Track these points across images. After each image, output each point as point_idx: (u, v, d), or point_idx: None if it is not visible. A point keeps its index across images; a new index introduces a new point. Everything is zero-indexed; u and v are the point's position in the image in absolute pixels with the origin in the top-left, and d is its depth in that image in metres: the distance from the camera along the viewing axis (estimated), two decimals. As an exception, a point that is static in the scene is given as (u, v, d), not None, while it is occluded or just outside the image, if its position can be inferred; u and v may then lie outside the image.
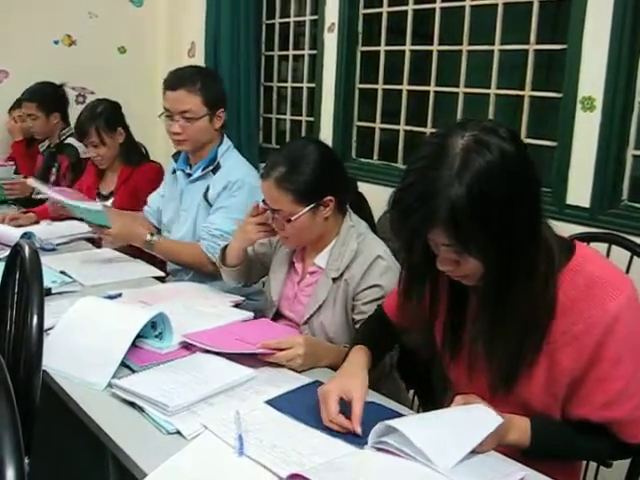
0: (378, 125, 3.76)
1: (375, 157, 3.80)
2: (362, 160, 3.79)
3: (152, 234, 2.42)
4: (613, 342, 1.25)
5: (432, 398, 1.96)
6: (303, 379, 1.55)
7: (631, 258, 1.75)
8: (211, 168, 2.52)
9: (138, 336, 1.62)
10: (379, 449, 1.24)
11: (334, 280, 1.86)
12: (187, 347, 1.67)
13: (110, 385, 1.47)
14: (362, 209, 2.01)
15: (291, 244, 1.94)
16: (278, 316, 2.02)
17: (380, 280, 1.80)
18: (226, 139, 2.59)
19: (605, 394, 1.28)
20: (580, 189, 2.72)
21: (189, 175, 2.58)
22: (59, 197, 2.57)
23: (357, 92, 3.85)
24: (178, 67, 2.55)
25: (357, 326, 1.81)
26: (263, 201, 1.89)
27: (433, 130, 3.41)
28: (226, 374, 1.52)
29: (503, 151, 1.17)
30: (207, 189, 2.50)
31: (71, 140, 3.65)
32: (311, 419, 1.36)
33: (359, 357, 1.52)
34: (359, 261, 1.84)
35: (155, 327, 1.67)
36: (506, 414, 1.29)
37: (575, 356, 1.28)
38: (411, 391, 2.12)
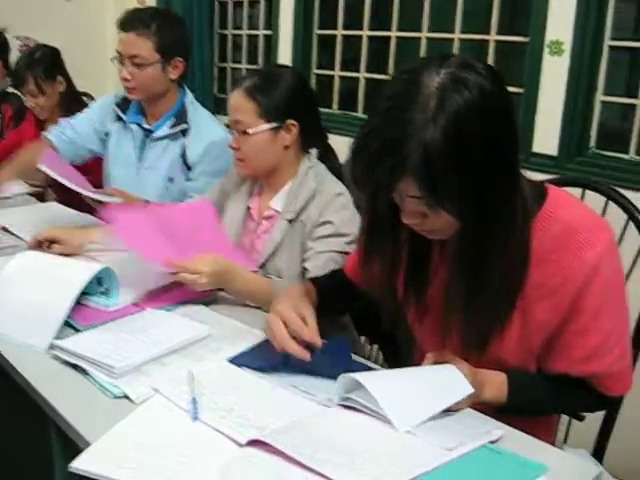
0: (337, 73, 3.63)
1: (335, 107, 3.67)
2: (321, 110, 3.63)
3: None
4: (592, 294, 1.17)
5: (397, 355, 1.89)
6: (260, 335, 1.44)
7: (606, 204, 1.67)
8: (180, 129, 2.33)
9: (83, 293, 1.48)
10: (346, 407, 1.15)
11: (290, 222, 1.76)
12: (136, 304, 1.54)
13: (52, 347, 1.34)
14: (329, 161, 1.88)
15: (245, 169, 1.80)
16: None
17: (334, 216, 1.70)
18: (188, 92, 2.41)
19: (584, 348, 1.20)
20: (547, 137, 2.65)
21: (149, 131, 2.39)
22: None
23: (316, 38, 3.70)
24: (137, 7, 2.35)
25: (304, 265, 1.71)
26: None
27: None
28: (178, 332, 1.40)
29: (483, 89, 1.05)
30: (183, 151, 2.32)
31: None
32: (275, 376, 1.26)
33: (301, 287, 1.43)
34: (317, 201, 1.74)
35: (101, 283, 1.54)
36: (481, 370, 1.22)
37: (551, 309, 1.20)
38: (375, 346, 2.04)
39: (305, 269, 1.70)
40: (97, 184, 2.39)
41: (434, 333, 1.33)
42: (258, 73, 1.78)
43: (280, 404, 1.18)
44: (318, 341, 1.26)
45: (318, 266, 1.67)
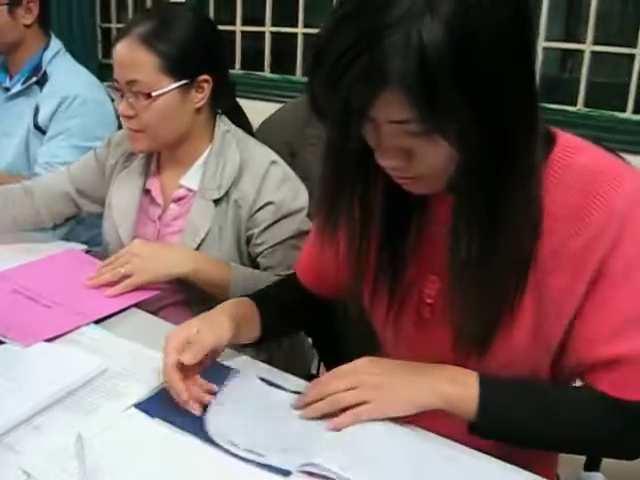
0: (239, 28, 3.22)
1: (237, 67, 3.28)
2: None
3: None
4: (623, 249, 0.85)
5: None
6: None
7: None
8: (35, 80, 1.96)
9: None
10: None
11: (216, 202, 1.37)
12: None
13: None
14: (240, 123, 1.51)
15: (144, 142, 1.38)
16: None
17: (275, 194, 1.36)
18: (55, 42, 2.03)
19: (609, 322, 0.87)
20: None
21: (7, 90, 2.02)
22: None
23: (213, -9, 3.28)
24: None
25: (260, 262, 1.39)
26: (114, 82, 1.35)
27: (307, 30, 2.93)
28: (60, 371, 0.99)
29: None
30: (36, 110, 1.94)
31: None
32: (209, 431, 0.89)
33: (231, 307, 1.07)
34: (249, 174, 1.37)
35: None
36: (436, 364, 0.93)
37: (573, 280, 0.87)
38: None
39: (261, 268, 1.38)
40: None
41: (412, 332, 1.02)
42: (152, 15, 1.36)
43: (209, 470, 0.82)
44: (183, 398, 0.92)
45: (279, 262, 1.35)
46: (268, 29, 3.10)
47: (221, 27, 3.17)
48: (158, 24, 1.32)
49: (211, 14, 3.31)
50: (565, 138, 0.91)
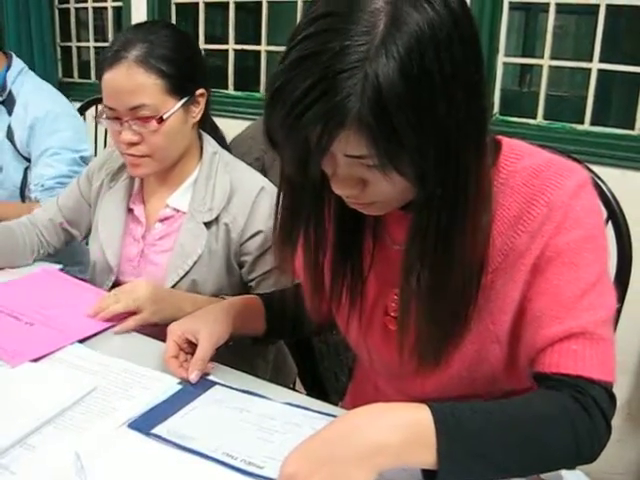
0: (202, 47, 3.22)
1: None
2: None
3: None
4: (563, 235, 0.88)
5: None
6: (168, 381, 1.06)
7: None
8: (1, 99, 1.97)
9: None
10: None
11: (207, 225, 1.37)
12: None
13: None
14: (215, 137, 1.50)
15: (151, 167, 1.35)
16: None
17: (265, 224, 1.36)
18: (17, 61, 2.04)
19: (555, 304, 0.88)
20: None
21: None
22: None
23: (174, 8, 3.27)
24: None
25: (253, 290, 1.40)
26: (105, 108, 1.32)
27: (271, 48, 2.96)
28: (51, 391, 1.00)
29: (448, 6, 0.75)
30: (9, 130, 1.95)
31: None
32: (209, 447, 0.89)
33: (234, 300, 1.19)
34: (238, 199, 1.37)
35: None
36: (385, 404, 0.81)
37: (514, 271, 0.91)
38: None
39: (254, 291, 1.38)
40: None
41: (384, 345, 1.05)
42: (135, 36, 1.31)
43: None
44: (192, 378, 1.03)
45: (270, 288, 1.35)
46: (232, 47, 3.12)
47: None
48: (149, 45, 1.29)
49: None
50: (508, 144, 0.95)
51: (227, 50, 3.13)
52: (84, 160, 1.97)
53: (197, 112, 1.37)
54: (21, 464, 0.85)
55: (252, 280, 1.40)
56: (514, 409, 0.84)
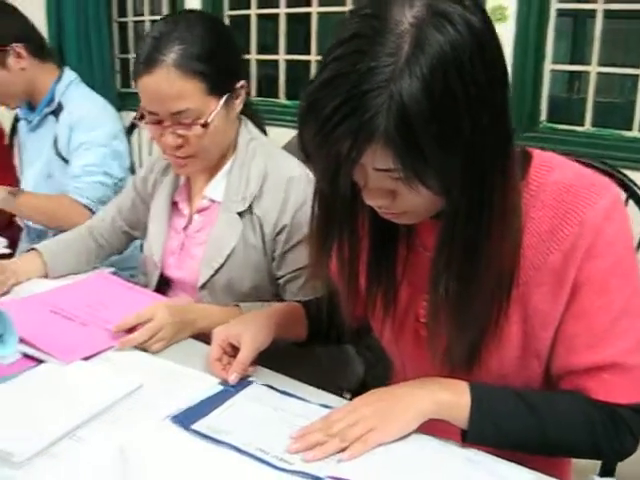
0: (254, 57, 3.30)
1: (253, 94, 3.35)
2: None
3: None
4: (595, 262, 0.92)
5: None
6: (210, 381, 1.11)
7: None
8: (49, 110, 2.06)
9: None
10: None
11: (241, 215, 1.36)
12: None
13: None
14: (252, 121, 1.48)
15: (198, 166, 1.36)
16: (164, 283, 1.52)
17: (291, 216, 1.34)
18: (68, 73, 2.11)
19: (588, 332, 0.94)
20: None
21: (30, 122, 2.13)
22: None
23: (227, 21, 3.36)
24: None
25: (283, 287, 1.40)
26: (140, 116, 1.32)
27: (320, 58, 3.01)
28: (99, 388, 1.06)
29: (471, 25, 0.78)
30: (55, 139, 2.03)
31: None
32: (244, 442, 0.93)
33: (277, 307, 1.25)
34: (270, 187, 1.35)
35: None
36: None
37: (553, 294, 0.94)
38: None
39: (283, 291, 1.40)
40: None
41: (416, 350, 1.08)
42: (168, 35, 1.26)
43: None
44: (231, 379, 1.08)
45: (300, 287, 1.36)
46: (282, 57, 3.19)
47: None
48: (185, 46, 1.25)
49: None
50: (539, 157, 0.98)
51: (278, 60, 3.19)
52: (117, 154, 2.02)
53: (238, 104, 1.36)
54: (70, 454, 0.91)
55: (281, 277, 1.39)
56: (541, 402, 0.95)
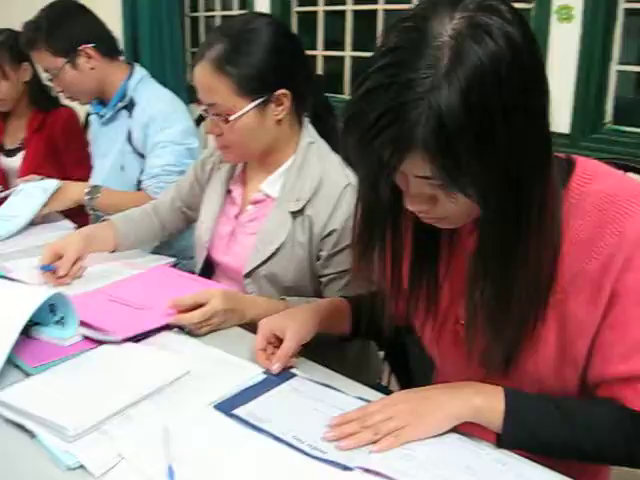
0: (321, 53, 3.34)
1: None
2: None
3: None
4: (634, 273, 0.91)
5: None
6: (254, 370, 1.16)
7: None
8: (122, 105, 2.16)
9: (33, 324, 1.21)
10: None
11: (293, 215, 1.43)
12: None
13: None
14: (325, 124, 1.54)
15: (233, 157, 1.49)
16: (209, 266, 1.60)
17: (340, 221, 1.40)
18: (138, 70, 2.21)
19: (624, 342, 0.94)
20: (558, 113, 2.33)
21: (102, 117, 2.24)
22: None
23: (295, 17, 3.41)
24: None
25: (327, 286, 1.45)
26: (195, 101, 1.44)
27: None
28: (151, 370, 1.13)
29: (510, 38, 0.80)
30: (129, 134, 2.14)
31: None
32: (281, 430, 0.98)
33: (322, 302, 1.30)
34: (324, 193, 1.41)
35: (54, 310, 1.26)
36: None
37: (591, 302, 0.94)
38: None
39: (325, 289, 1.45)
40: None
41: (455, 351, 1.10)
42: (223, 34, 1.38)
43: (284, 469, 0.92)
44: (273, 369, 1.14)
45: (342, 287, 1.41)
46: (348, 54, 3.22)
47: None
48: (231, 46, 1.35)
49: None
50: (583, 165, 0.99)
51: (344, 57, 3.23)
52: (190, 152, 2.10)
53: (280, 111, 1.41)
54: (119, 431, 0.98)
55: (325, 276, 1.44)
56: (576, 409, 0.97)
